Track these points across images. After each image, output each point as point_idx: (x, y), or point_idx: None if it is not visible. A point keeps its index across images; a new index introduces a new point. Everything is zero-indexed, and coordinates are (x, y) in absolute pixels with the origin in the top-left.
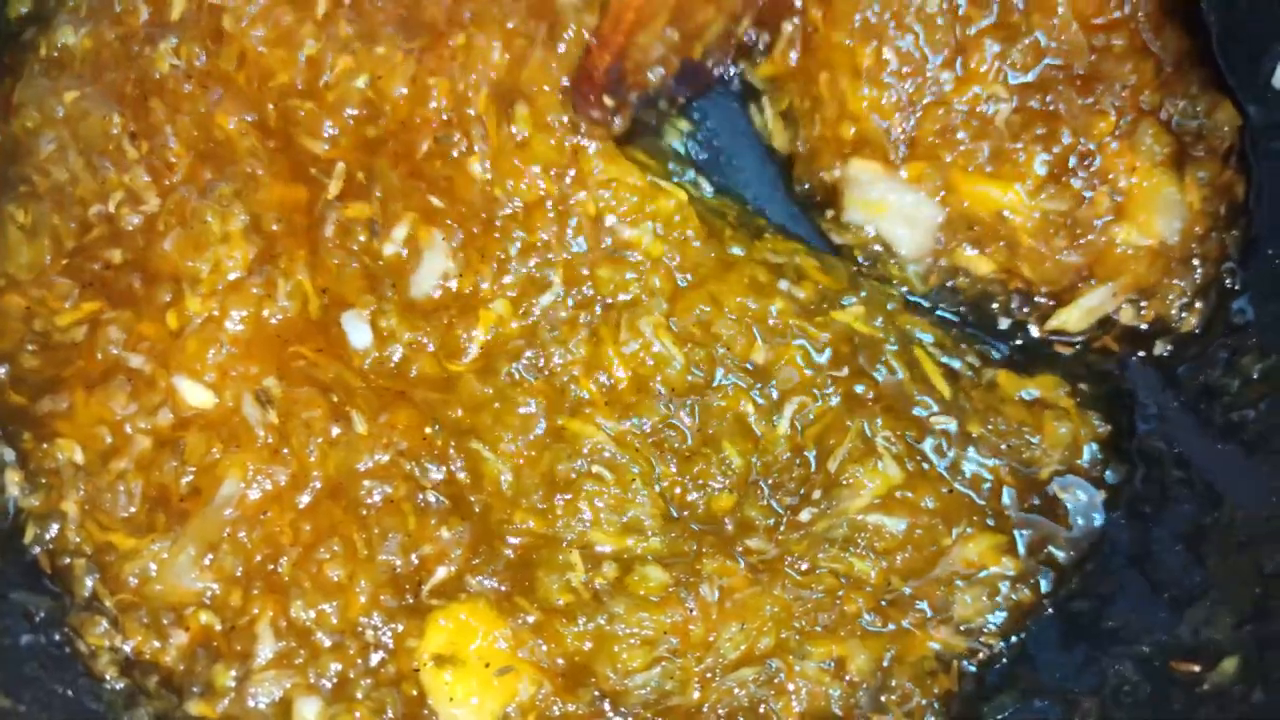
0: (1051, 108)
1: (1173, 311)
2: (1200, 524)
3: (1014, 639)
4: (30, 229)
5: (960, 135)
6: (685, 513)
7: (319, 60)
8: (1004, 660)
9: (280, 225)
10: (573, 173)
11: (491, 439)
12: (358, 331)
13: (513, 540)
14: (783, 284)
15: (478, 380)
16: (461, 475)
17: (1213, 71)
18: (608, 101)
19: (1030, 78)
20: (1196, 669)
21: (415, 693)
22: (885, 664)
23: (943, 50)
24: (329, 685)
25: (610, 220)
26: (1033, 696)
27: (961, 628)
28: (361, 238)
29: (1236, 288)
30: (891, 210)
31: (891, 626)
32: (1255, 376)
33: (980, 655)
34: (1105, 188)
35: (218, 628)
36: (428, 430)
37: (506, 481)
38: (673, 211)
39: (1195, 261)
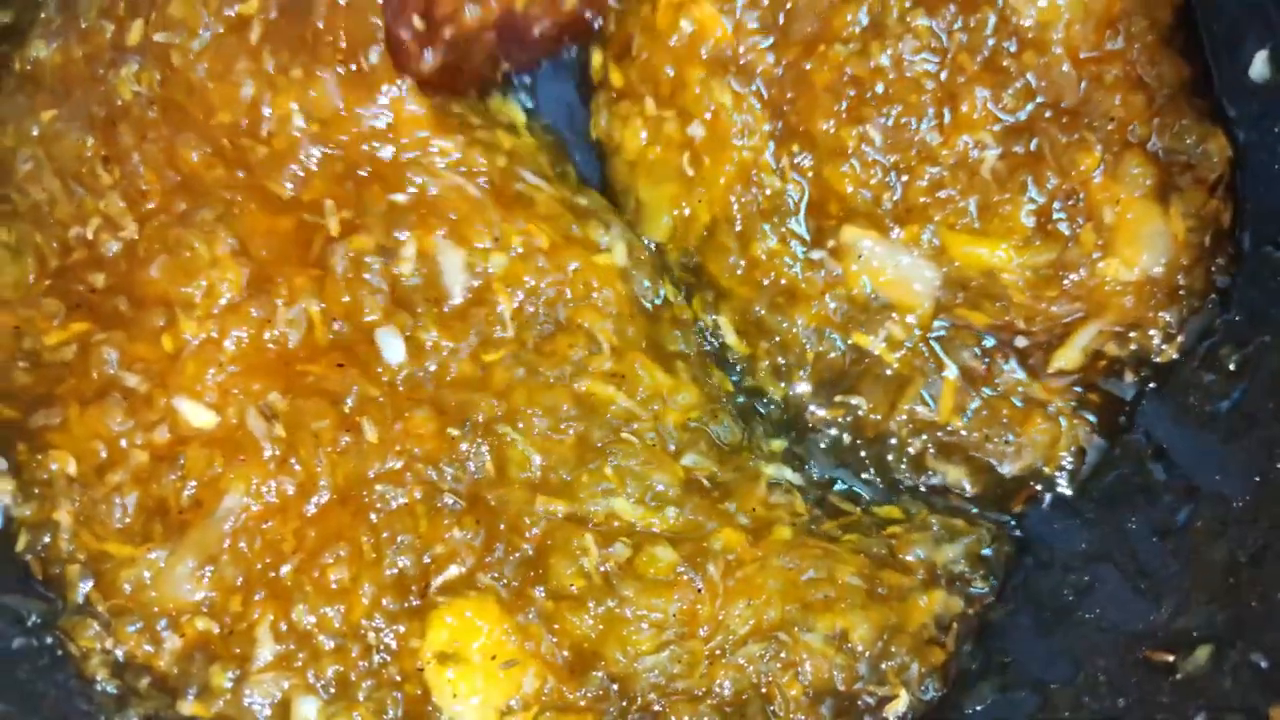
0: (1036, 150)
1: (1155, 343)
2: (1177, 515)
3: (999, 613)
4: (14, 247)
5: (949, 192)
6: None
7: (258, 101)
8: (982, 651)
9: (270, 252)
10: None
11: (525, 419)
12: (392, 347)
13: (532, 532)
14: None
15: (513, 361)
16: (475, 473)
17: (1207, 102)
18: (417, 24)
19: (1018, 119)
20: (1170, 658)
21: (419, 692)
22: (886, 635)
23: (928, 109)
24: (329, 686)
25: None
26: (1010, 687)
27: (956, 586)
28: (376, 266)
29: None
30: (890, 272)
31: (883, 591)
32: (1232, 367)
33: (977, 609)
34: (1090, 224)
35: (215, 631)
36: (454, 432)
37: (536, 464)
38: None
39: (1181, 294)
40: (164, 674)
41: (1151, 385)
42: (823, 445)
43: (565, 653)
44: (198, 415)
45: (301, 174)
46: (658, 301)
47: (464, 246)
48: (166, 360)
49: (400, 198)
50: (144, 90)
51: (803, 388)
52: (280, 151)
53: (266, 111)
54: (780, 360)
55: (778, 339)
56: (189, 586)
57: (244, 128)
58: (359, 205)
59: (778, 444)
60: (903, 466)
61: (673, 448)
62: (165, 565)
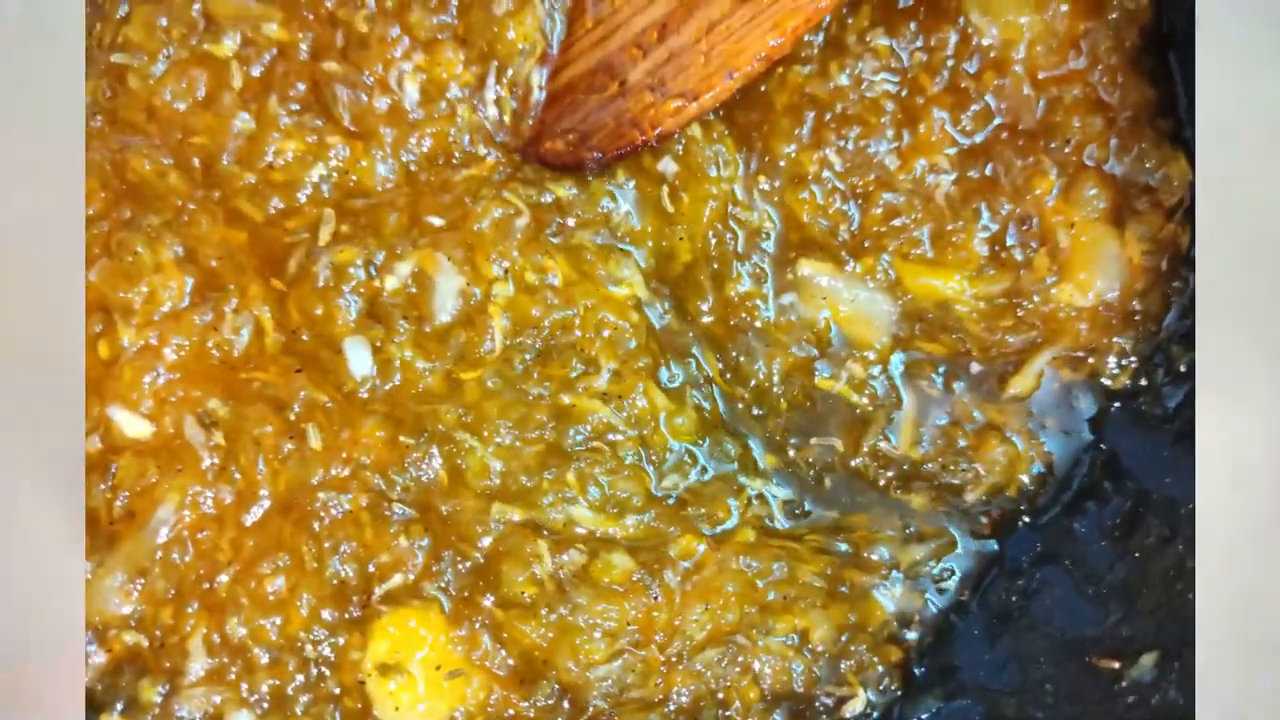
0: (991, 174)
1: (1109, 367)
2: (1125, 520)
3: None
4: None
5: (903, 220)
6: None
7: (260, 138)
8: (928, 660)
9: (221, 261)
10: None
11: (492, 428)
12: (359, 359)
13: (484, 541)
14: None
15: (491, 375)
16: (427, 482)
17: (1170, 125)
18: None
19: (975, 141)
20: (1116, 665)
21: (359, 705)
22: (846, 635)
23: (887, 131)
24: (264, 700)
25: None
26: (956, 696)
27: (918, 582)
28: (359, 277)
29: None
30: (848, 307)
31: (844, 589)
32: (1182, 369)
33: (942, 607)
34: (1044, 249)
35: (144, 645)
36: (407, 441)
37: (496, 471)
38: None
39: (1137, 318)
40: (88, 690)
41: (1115, 406)
42: (810, 478)
43: (512, 662)
44: (133, 425)
45: (283, 205)
46: (672, 324)
47: (467, 273)
48: (102, 368)
49: (436, 220)
50: (87, 100)
51: (776, 432)
52: (276, 183)
53: (270, 148)
54: (755, 410)
55: (753, 384)
56: (117, 600)
57: (231, 153)
58: (361, 222)
59: (771, 459)
60: (872, 495)
61: (651, 470)
62: (92, 578)
